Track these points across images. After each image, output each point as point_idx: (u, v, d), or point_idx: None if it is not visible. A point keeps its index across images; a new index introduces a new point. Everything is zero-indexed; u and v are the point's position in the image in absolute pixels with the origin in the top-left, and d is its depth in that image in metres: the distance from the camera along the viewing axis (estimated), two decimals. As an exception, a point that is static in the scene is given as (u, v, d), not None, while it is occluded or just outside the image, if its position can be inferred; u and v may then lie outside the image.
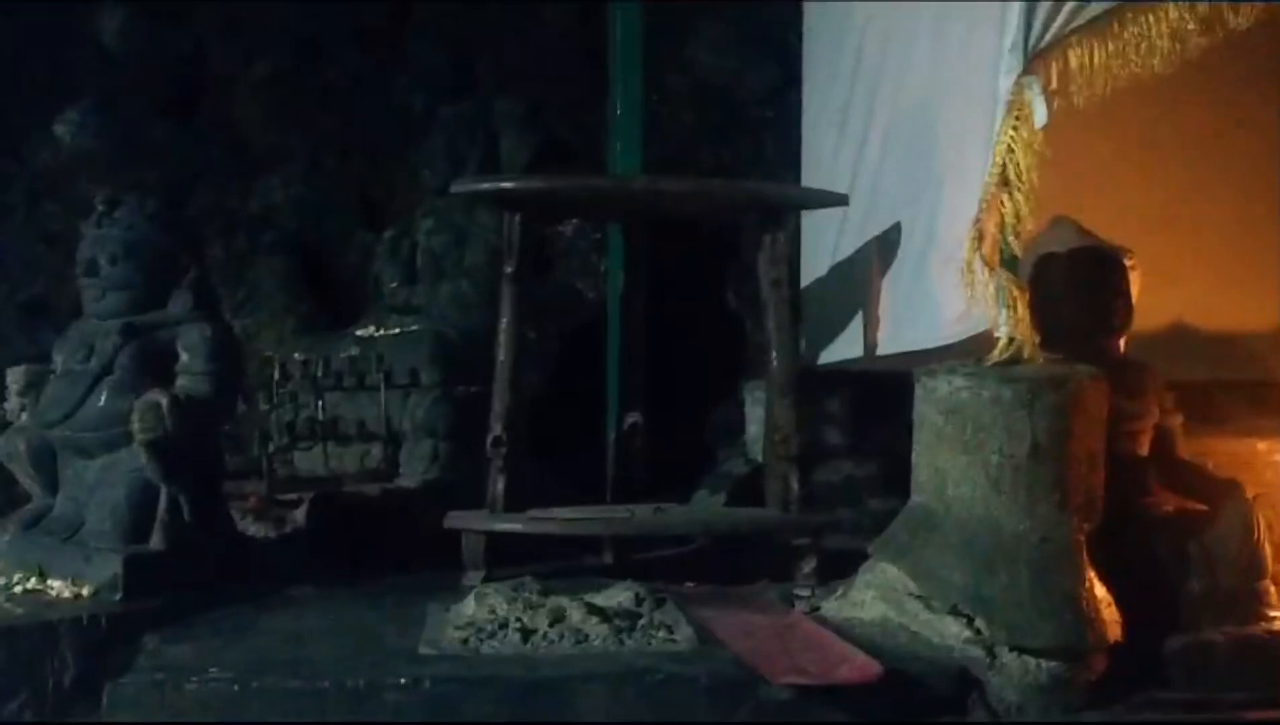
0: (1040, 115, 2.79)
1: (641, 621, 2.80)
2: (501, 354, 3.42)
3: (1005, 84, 2.83)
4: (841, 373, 4.15)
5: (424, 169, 4.81)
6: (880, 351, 3.69)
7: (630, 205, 3.76)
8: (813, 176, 4.18)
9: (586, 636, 2.69)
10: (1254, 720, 2.66)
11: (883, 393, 3.78)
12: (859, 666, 2.53)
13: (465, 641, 2.66)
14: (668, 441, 4.61)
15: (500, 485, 3.34)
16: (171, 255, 3.25)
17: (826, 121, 4.16)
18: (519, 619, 2.73)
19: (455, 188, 3.53)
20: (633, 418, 3.86)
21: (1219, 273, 4.17)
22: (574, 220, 5.16)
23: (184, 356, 3.19)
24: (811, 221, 4.26)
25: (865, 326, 3.79)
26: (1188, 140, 4.36)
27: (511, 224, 3.41)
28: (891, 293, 3.61)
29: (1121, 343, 3.36)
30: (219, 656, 2.60)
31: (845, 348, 3.93)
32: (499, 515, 3.34)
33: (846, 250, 3.93)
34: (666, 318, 4.73)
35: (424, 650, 2.64)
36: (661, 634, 2.76)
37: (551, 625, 2.71)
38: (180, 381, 3.16)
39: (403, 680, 2.44)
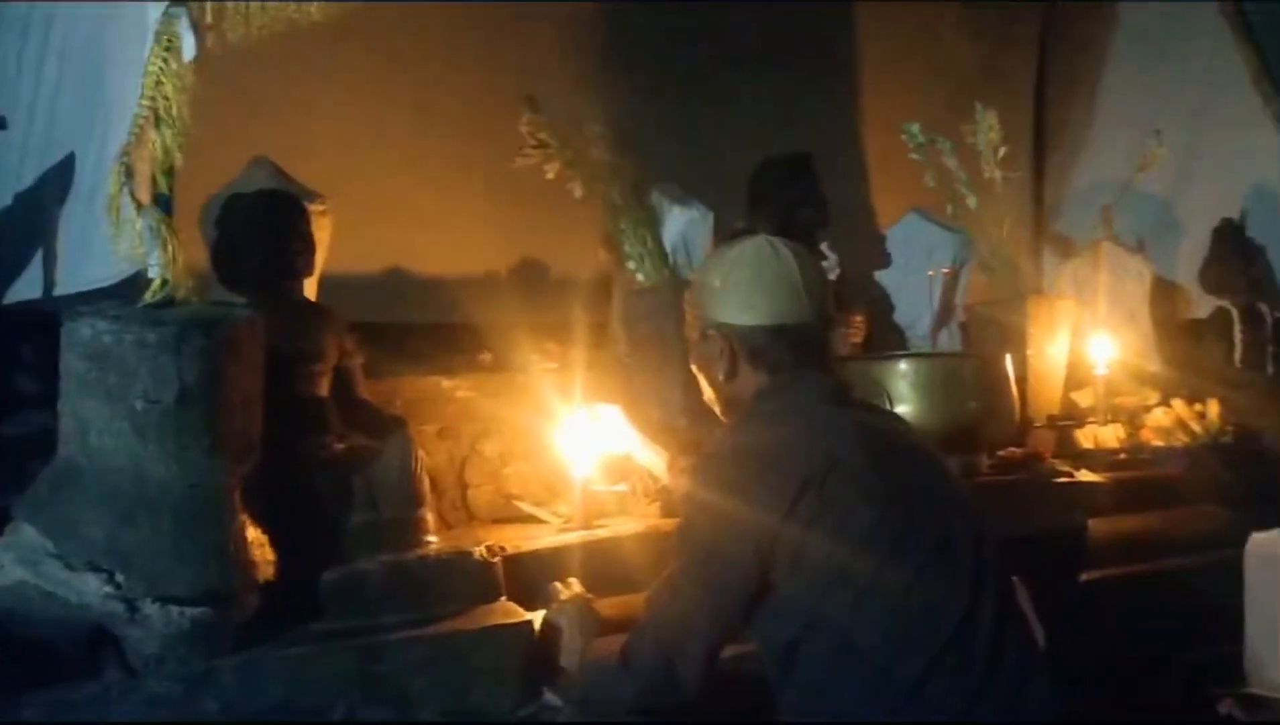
0: (189, 49, 2.70)
1: None
2: None
3: (154, 13, 2.70)
4: (37, 314, 3.77)
5: None
6: (60, 291, 3.39)
7: None
8: (-3, 92, 3.71)
9: None
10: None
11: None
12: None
13: None
14: None
15: None
16: None
17: (9, 30, 3.71)
18: None
19: None
20: None
21: (428, 221, 4.47)
22: None
23: None
24: (-2, 145, 3.79)
25: (45, 264, 3.46)
26: (409, 88, 4.61)
27: None
28: (68, 228, 3.33)
29: (306, 285, 3.43)
30: None
31: (28, 287, 3.57)
32: None
33: (28, 179, 3.53)
34: None
35: None
36: None
37: None
38: None
39: None
